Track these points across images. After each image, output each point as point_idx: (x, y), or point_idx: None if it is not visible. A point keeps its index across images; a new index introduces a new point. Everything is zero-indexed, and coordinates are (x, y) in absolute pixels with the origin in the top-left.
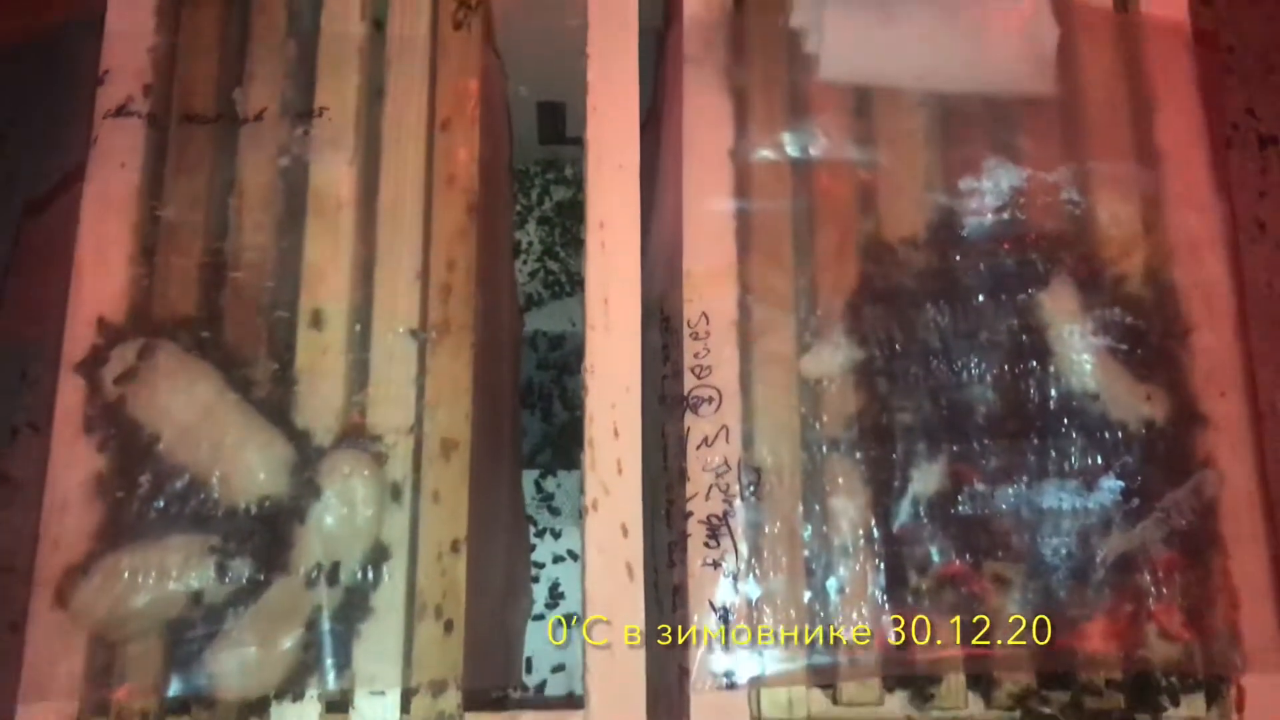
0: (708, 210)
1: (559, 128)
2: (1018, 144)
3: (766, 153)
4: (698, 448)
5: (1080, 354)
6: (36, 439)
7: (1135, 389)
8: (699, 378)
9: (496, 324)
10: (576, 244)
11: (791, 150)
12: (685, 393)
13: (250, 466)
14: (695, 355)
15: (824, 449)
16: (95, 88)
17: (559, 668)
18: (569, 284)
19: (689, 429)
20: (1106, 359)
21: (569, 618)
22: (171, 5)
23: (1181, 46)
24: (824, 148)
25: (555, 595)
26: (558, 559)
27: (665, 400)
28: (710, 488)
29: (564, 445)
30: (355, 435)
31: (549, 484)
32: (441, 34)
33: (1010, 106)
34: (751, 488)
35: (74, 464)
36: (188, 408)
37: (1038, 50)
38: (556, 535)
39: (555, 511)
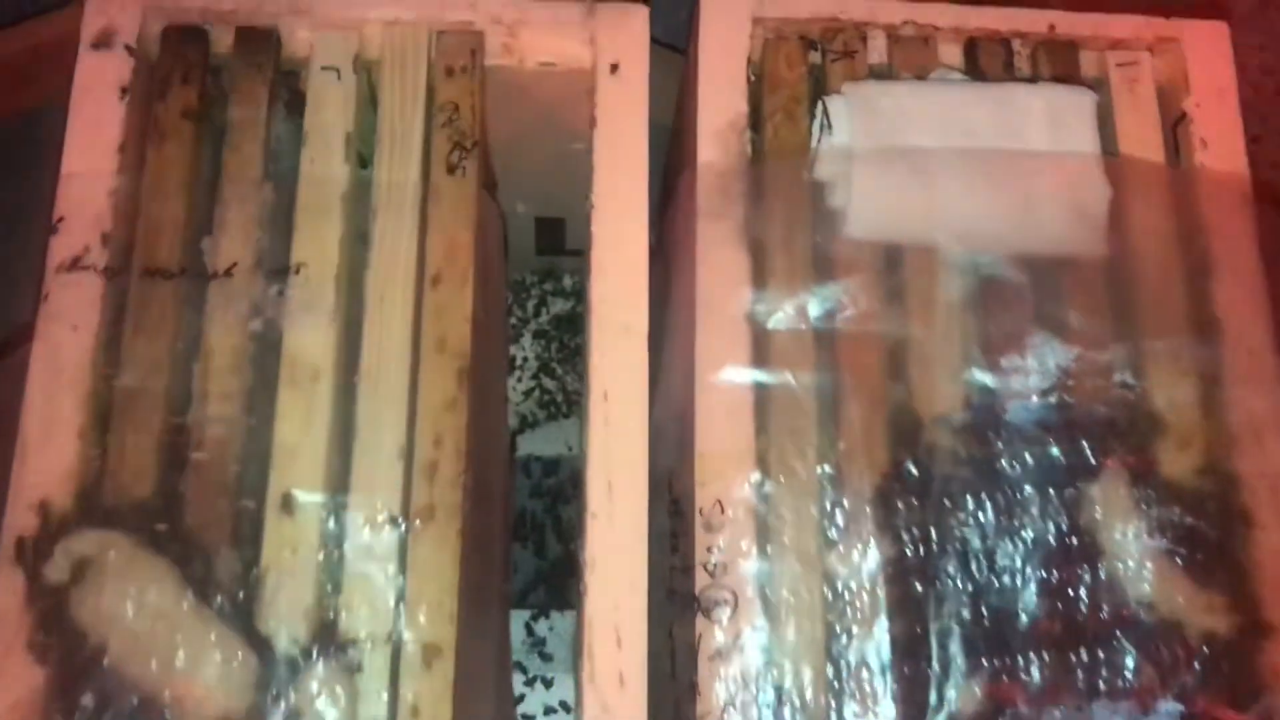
0: (723, 383)
1: (558, 240)
2: (1065, 317)
3: (788, 317)
4: (711, 659)
5: (1135, 557)
6: None
7: (1195, 597)
8: (713, 576)
9: (486, 498)
10: (574, 359)
11: (815, 315)
12: (696, 592)
13: (208, 685)
14: (708, 549)
15: (852, 663)
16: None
17: None
18: (566, 404)
19: (700, 636)
20: (1164, 563)
21: None
22: (136, 142)
23: (1239, 202)
24: (851, 313)
25: None
26: (549, 710)
27: (674, 596)
28: (725, 706)
29: (558, 582)
30: (327, 643)
31: (540, 627)
32: (434, 179)
33: (1056, 273)
34: (770, 710)
35: (7, 681)
36: (139, 614)
37: (1087, 211)
38: (548, 684)
39: (547, 658)
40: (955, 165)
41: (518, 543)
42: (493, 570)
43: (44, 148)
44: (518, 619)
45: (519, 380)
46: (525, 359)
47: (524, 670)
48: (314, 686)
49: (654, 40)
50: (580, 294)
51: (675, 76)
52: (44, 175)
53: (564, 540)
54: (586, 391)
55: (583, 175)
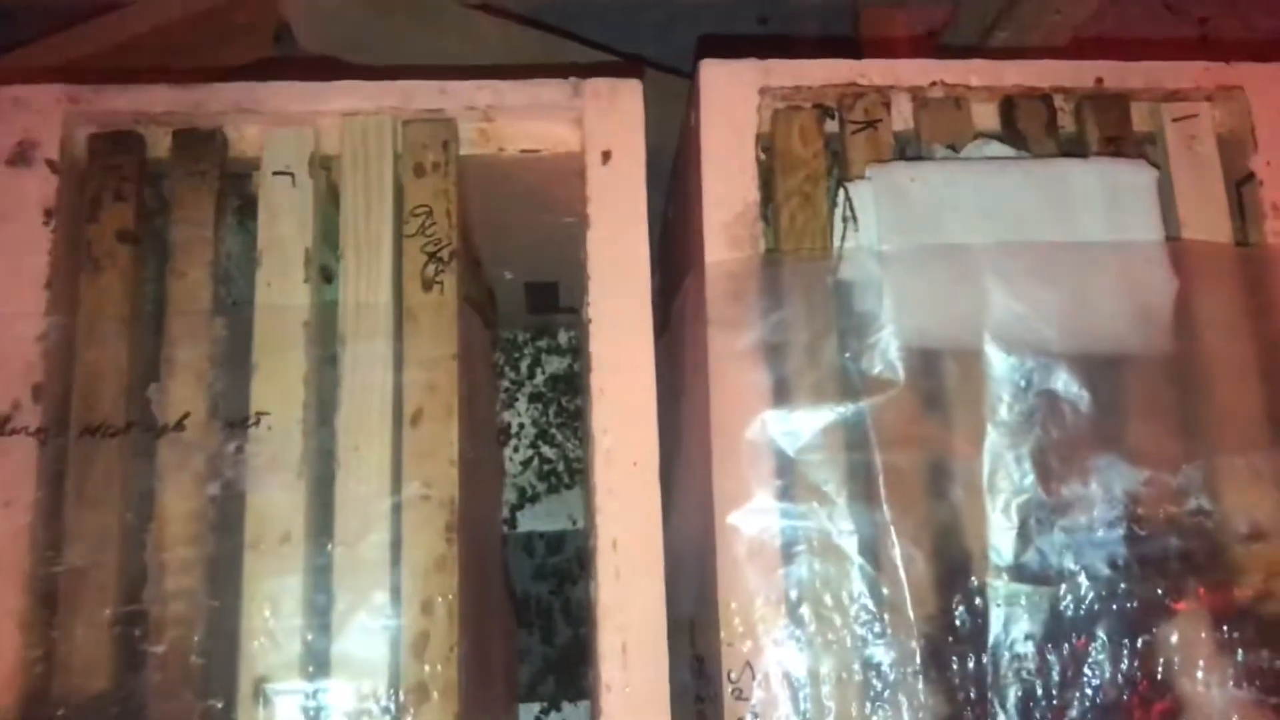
0: (745, 523)
1: (550, 300)
2: (1130, 433)
3: (815, 443)
4: None
5: (1219, 709)
6: None
7: None
8: None
9: (486, 591)
10: (574, 424)
11: (846, 439)
12: None
13: None
14: None
15: None
16: None
17: None
18: (568, 473)
19: None
20: (1252, 714)
21: None
22: (66, 274)
23: None
24: (887, 436)
25: None
26: None
27: None
28: None
29: (568, 670)
30: None
31: None
32: (408, 299)
33: (1117, 380)
34: None
35: None
36: None
37: (1151, 306)
38: None
39: None
40: (1001, 261)
41: (523, 630)
42: (495, 677)
43: None
44: (526, 713)
45: (515, 450)
46: (522, 425)
47: None
48: None
49: (649, 64)
50: (577, 351)
51: (674, 103)
52: None
53: (573, 624)
54: (592, 535)
55: (575, 242)
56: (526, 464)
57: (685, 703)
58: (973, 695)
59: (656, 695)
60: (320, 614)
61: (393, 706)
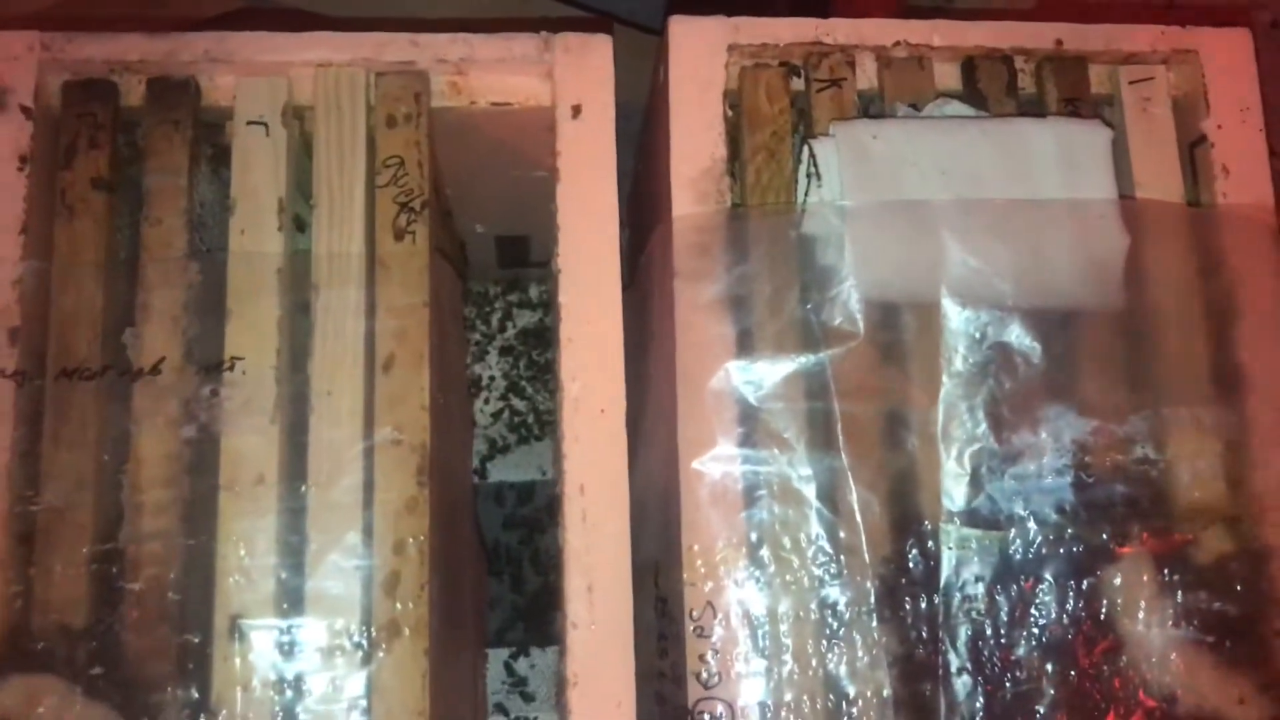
0: (708, 469)
1: (521, 254)
2: (1079, 384)
3: (777, 392)
4: None
5: (1159, 647)
6: None
7: (1224, 689)
8: (706, 687)
9: (457, 562)
10: (544, 377)
11: (807, 388)
12: (690, 705)
13: None
14: (700, 658)
15: None
16: None
17: None
18: (537, 425)
19: None
20: (1190, 653)
21: None
22: (41, 220)
23: (1264, 239)
24: (846, 385)
25: None
26: None
27: (664, 705)
28: None
29: (537, 617)
30: None
31: (521, 665)
32: (380, 248)
33: (1069, 333)
34: None
35: None
36: None
37: (1103, 262)
38: None
39: (529, 698)
40: (959, 217)
41: (493, 577)
42: (465, 621)
43: None
44: (496, 658)
45: (486, 402)
46: (492, 378)
47: (505, 713)
48: None
49: (619, 20)
50: (548, 305)
51: (643, 59)
52: None
53: (542, 572)
54: (560, 481)
55: (546, 196)
56: (497, 416)
57: (649, 642)
58: (924, 634)
59: (621, 633)
60: (294, 554)
61: (365, 642)
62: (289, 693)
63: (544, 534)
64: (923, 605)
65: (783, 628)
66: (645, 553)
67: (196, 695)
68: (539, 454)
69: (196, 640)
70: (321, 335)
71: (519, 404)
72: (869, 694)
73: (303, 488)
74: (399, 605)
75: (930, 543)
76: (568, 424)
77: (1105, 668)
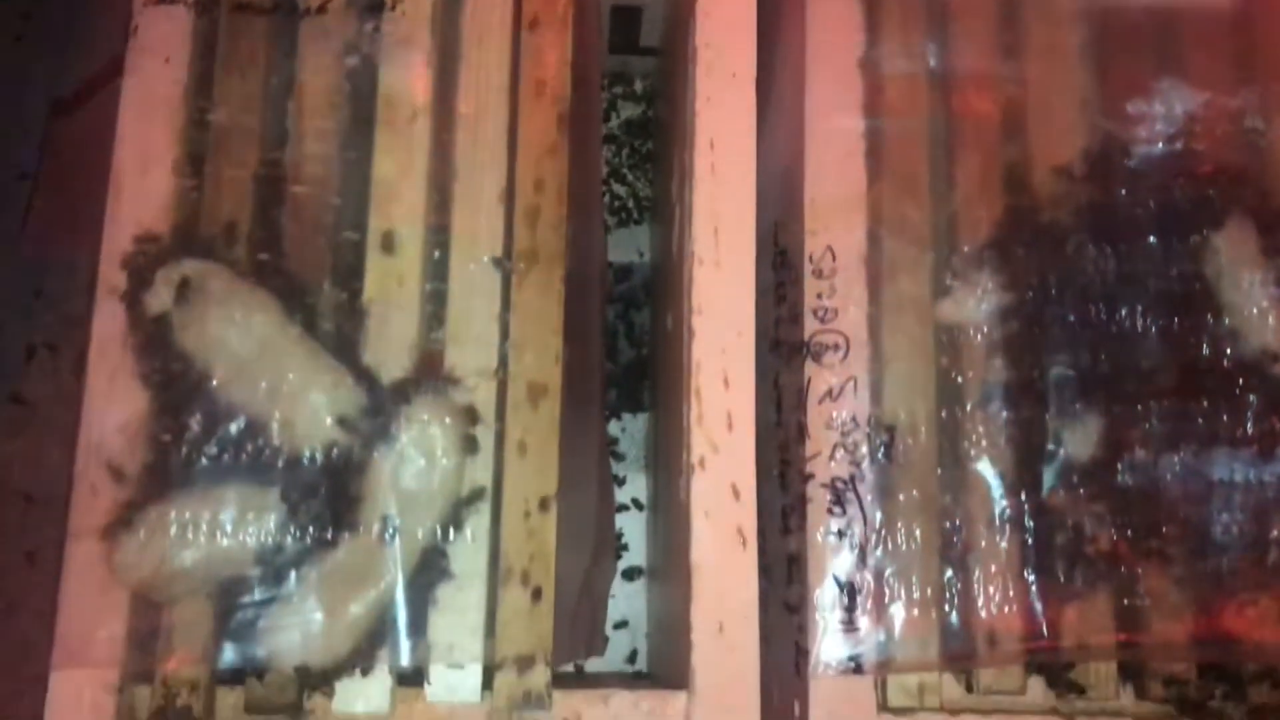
0: (834, 129)
1: (633, 36)
2: (1190, 61)
3: (901, 63)
4: (820, 401)
5: (1259, 306)
6: (53, 360)
7: None
8: (822, 321)
9: (587, 251)
10: (645, 166)
11: (930, 61)
12: (806, 338)
13: (316, 410)
14: (818, 295)
15: (966, 406)
16: None
17: (621, 624)
18: (637, 210)
19: (810, 380)
20: None
21: (632, 571)
22: None
23: None
24: (966, 59)
25: (617, 547)
26: (621, 507)
27: (780, 347)
28: (835, 447)
29: (629, 386)
30: (432, 377)
31: (613, 428)
32: None
33: (1180, 16)
34: (882, 448)
35: (113, 400)
36: (244, 341)
37: None
38: (620, 482)
39: (619, 457)
40: None
41: None
42: (592, 355)
43: None
44: None
45: None
46: None
47: None
48: (422, 417)
49: None
50: (652, 98)
51: None
52: None
53: (635, 346)
54: (689, 140)
55: None
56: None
57: (767, 298)
58: (1034, 282)
59: (744, 268)
60: (442, 183)
61: (505, 261)
62: (438, 293)
63: (640, 310)
64: (1032, 258)
65: (898, 271)
66: (765, 219)
67: (351, 289)
68: (637, 237)
69: (355, 238)
70: None
71: (620, 190)
72: (976, 333)
73: (454, 123)
74: (539, 235)
75: (1042, 201)
76: (700, 87)
77: (1207, 322)
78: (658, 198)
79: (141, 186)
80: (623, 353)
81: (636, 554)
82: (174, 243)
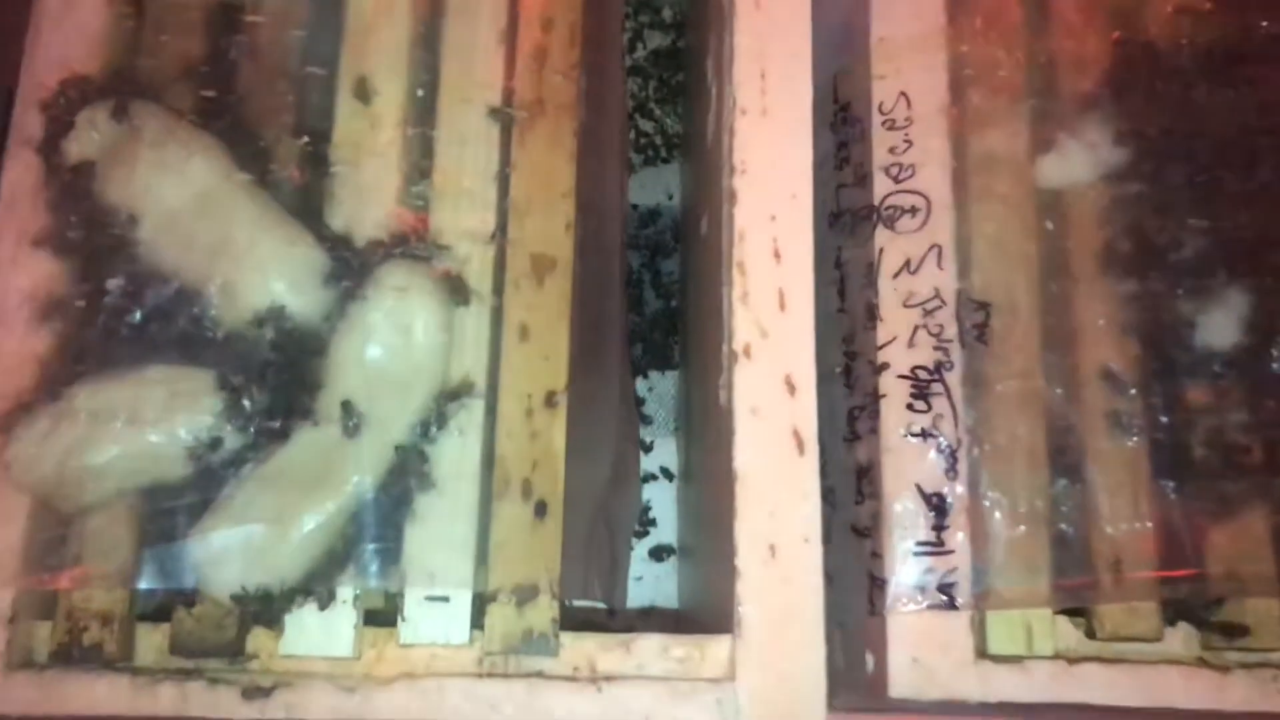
0: None
1: None
2: None
3: None
4: (895, 275)
5: None
6: None
7: None
8: (896, 181)
9: (608, 139)
10: (674, 100)
11: None
12: (877, 202)
13: (264, 273)
14: (891, 150)
15: (1075, 280)
16: None
17: (648, 610)
18: (665, 148)
19: (882, 251)
20: None
21: (661, 550)
22: None
23: None
24: None
25: (644, 521)
26: (649, 477)
27: (841, 218)
28: (915, 330)
29: (657, 340)
30: (414, 240)
31: (640, 387)
32: None
33: None
34: (975, 330)
35: (19, 263)
36: (179, 190)
37: None
38: (647, 449)
39: (646, 419)
40: None
41: None
42: (612, 317)
43: None
44: None
45: None
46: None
47: None
48: (398, 284)
49: None
50: (681, 26)
51: None
52: None
53: (664, 297)
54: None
55: None
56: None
57: (824, 168)
58: (1154, 134)
59: (799, 120)
60: (429, 19)
61: (505, 109)
62: (420, 144)
63: (667, 258)
64: (1151, 103)
65: (985, 123)
66: (819, 74)
67: (309, 143)
68: (665, 177)
69: (318, 90)
70: None
71: (646, 126)
72: (1081, 192)
73: None
74: (546, 82)
75: (1162, 35)
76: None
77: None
78: (688, 134)
79: (66, 16)
80: (649, 304)
81: (666, 530)
82: (103, 81)
